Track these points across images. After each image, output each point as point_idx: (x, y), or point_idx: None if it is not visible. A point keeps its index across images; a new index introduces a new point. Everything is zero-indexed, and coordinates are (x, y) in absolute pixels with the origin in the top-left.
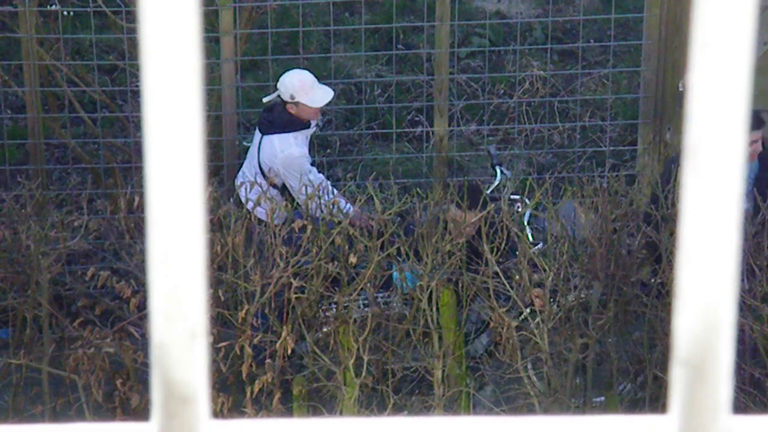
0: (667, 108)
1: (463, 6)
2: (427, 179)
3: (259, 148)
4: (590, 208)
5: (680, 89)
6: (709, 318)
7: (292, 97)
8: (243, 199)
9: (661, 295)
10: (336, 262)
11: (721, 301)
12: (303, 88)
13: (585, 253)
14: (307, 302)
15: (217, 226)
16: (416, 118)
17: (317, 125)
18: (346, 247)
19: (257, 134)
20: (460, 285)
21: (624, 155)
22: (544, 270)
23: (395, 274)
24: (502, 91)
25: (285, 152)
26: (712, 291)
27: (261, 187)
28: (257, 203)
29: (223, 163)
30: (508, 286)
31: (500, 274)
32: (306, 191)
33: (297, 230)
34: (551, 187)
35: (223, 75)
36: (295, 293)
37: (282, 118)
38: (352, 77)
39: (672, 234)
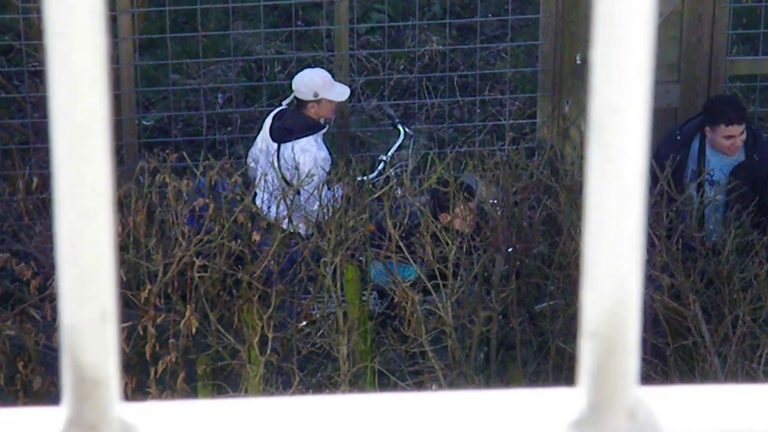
0: (565, 81)
1: None
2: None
3: (278, 158)
4: (491, 182)
5: (578, 62)
6: (617, 290)
7: (316, 95)
8: (270, 215)
9: (563, 266)
10: (239, 240)
11: (628, 273)
12: (326, 85)
13: (487, 226)
14: (210, 281)
15: (117, 206)
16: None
17: (328, 125)
18: (249, 224)
19: (268, 143)
20: (364, 260)
21: (524, 128)
22: (447, 243)
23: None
24: (402, 67)
25: (312, 153)
26: (619, 264)
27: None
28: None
29: (122, 142)
30: (411, 260)
31: (403, 249)
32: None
33: (198, 209)
34: (453, 161)
35: (120, 54)
36: (199, 272)
37: (300, 122)
38: (252, 54)
39: (574, 206)
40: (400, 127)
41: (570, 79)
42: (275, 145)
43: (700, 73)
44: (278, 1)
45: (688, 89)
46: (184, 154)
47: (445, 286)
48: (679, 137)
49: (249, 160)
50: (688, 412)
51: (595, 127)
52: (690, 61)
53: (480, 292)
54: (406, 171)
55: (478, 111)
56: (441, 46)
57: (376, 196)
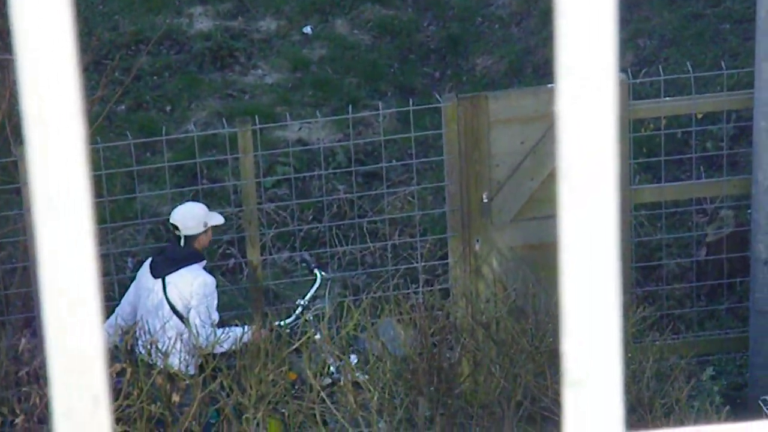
0: (474, 220)
1: (264, 137)
2: (244, 310)
3: (165, 291)
4: (408, 325)
5: (484, 200)
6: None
7: (206, 224)
8: (144, 354)
9: (486, 405)
10: (159, 403)
11: (606, 316)
12: (208, 213)
13: (407, 370)
14: None
15: (33, 377)
16: (228, 251)
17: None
18: (168, 386)
19: (149, 280)
20: (286, 414)
21: (436, 270)
22: (369, 390)
23: None
24: (311, 217)
25: (200, 278)
26: (597, 309)
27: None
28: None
29: (34, 313)
30: (334, 409)
31: (326, 399)
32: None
33: (115, 374)
34: (368, 307)
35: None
36: None
37: (184, 253)
38: (160, 216)
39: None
40: (317, 272)
41: (478, 218)
42: (159, 281)
43: None
44: (182, 162)
45: None
46: None
47: None
48: None
49: (107, 326)
50: None
51: (564, 174)
52: None
53: None
54: (323, 320)
55: (390, 256)
56: (348, 195)
57: (294, 347)
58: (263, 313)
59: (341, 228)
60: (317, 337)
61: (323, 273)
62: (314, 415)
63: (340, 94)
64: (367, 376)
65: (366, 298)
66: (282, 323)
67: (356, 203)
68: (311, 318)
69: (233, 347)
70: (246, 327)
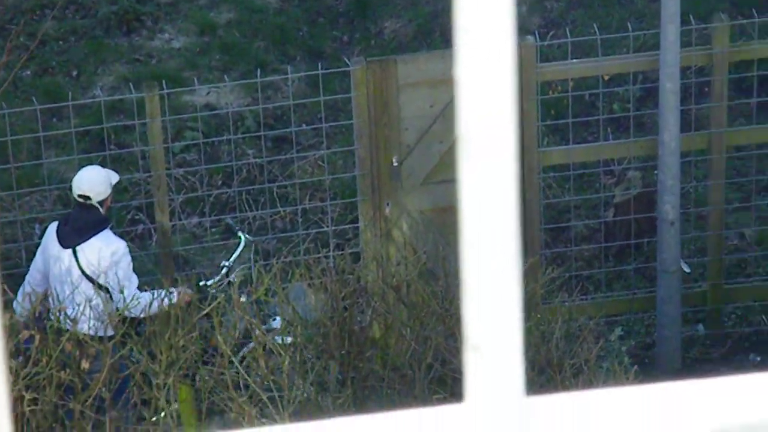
0: (384, 184)
1: (171, 102)
2: (154, 276)
3: (77, 259)
4: (319, 289)
5: (394, 164)
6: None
7: (111, 184)
8: (54, 321)
9: (397, 368)
10: (68, 370)
11: (506, 283)
12: (108, 172)
13: (319, 334)
14: (42, 413)
15: None
16: (136, 217)
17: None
18: (77, 353)
19: (55, 248)
20: (197, 379)
21: (347, 234)
22: (280, 354)
23: None
24: (221, 182)
25: (112, 245)
26: (497, 274)
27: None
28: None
29: None
30: (245, 374)
31: (237, 364)
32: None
33: (24, 340)
34: (279, 272)
35: None
36: (29, 406)
37: (92, 221)
38: (67, 182)
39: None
40: (241, 235)
41: (388, 181)
42: (69, 251)
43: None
44: (89, 127)
45: None
46: (5, 287)
47: (281, 398)
48: None
49: (20, 297)
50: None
51: (463, 141)
52: None
53: (316, 401)
54: (232, 285)
55: (300, 220)
56: (257, 159)
57: (203, 313)
58: (173, 279)
59: (251, 193)
60: (242, 299)
61: (247, 236)
62: (225, 380)
63: (248, 58)
64: (291, 339)
65: (276, 262)
66: (206, 284)
67: (266, 168)
68: (234, 280)
69: (142, 314)
70: (155, 292)
